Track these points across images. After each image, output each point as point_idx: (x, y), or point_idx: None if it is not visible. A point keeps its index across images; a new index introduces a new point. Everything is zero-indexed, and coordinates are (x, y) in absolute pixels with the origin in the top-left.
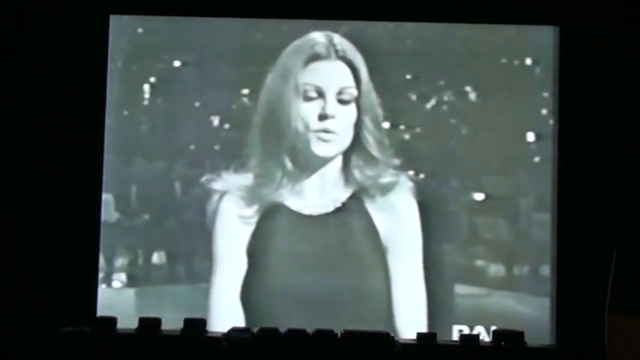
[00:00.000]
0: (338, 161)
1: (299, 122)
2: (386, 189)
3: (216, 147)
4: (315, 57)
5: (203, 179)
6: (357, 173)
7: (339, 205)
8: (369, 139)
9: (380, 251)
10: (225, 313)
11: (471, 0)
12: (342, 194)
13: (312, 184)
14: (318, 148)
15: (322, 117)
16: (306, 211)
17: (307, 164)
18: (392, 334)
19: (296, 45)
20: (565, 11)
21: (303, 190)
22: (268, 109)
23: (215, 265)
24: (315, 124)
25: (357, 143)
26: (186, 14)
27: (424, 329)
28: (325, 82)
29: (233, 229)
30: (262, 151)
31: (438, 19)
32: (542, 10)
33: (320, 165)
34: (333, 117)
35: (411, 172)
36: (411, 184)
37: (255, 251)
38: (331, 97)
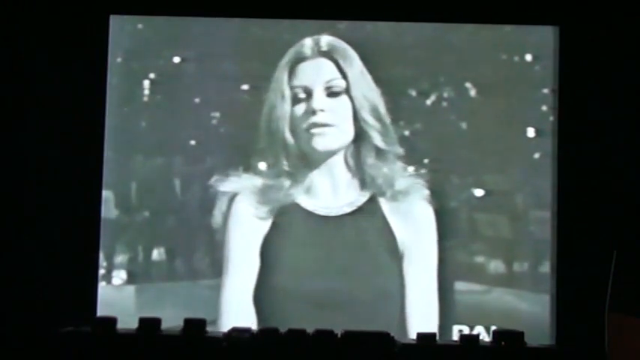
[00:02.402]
0: (344, 157)
1: (295, 124)
2: (403, 193)
3: (217, 143)
4: (299, 60)
5: (212, 180)
6: (370, 171)
7: (355, 207)
8: (370, 130)
9: (395, 254)
10: (237, 315)
11: (470, 0)
12: (359, 198)
13: (322, 182)
14: (316, 142)
15: (311, 112)
16: (322, 212)
17: (311, 160)
18: (392, 334)
19: (286, 55)
20: (565, 11)
21: (316, 190)
22: (268, 120)
23: (227, 266)
24: (307, 120)
25: (361, 138)
26: (186, 14)
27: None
28: (311, 80)
29: (247, 231)
30: (269, 154)
31: (436, 20)
32: (542, 11)
33: (323, 159)
34: (322, 110)
35: (412, 168)
36: (427, 191)
37: (269, 252)
38: (319, 92)
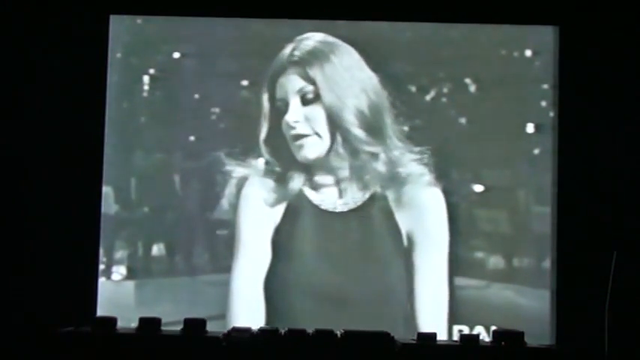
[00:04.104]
0: (335, 159)
1: (276, 139)
2: (404, 184)
3: (216, 139)
4: (277, 74)
5: (222, 163)
6: (364, 170)
7: (359, 203)
8: (350, 134)
9: (401, 248)
10: (247, 301)
11: (470, 0)
12: (362, 194)
13: (324, 181)
14: (299, 155)
15: (287, 124)
16: (328, 207)
17: (304, 165)
18: (392, 334)
19: (269, 68)
20: (565, 11)
21: (320, 187)
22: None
23: (238, 251)
24: (287, 134)
25: (345, 140)
26: (186, 14)
27: (445, 327)
28: (285, 92)
29: (258, 216)
30: (270, 161)
31: (436, 20)
32: (542, 11)
33: (316, 164)
34: (297, 122)
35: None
36: (427, 176)
37: (280, 243)
38: (294, 103)
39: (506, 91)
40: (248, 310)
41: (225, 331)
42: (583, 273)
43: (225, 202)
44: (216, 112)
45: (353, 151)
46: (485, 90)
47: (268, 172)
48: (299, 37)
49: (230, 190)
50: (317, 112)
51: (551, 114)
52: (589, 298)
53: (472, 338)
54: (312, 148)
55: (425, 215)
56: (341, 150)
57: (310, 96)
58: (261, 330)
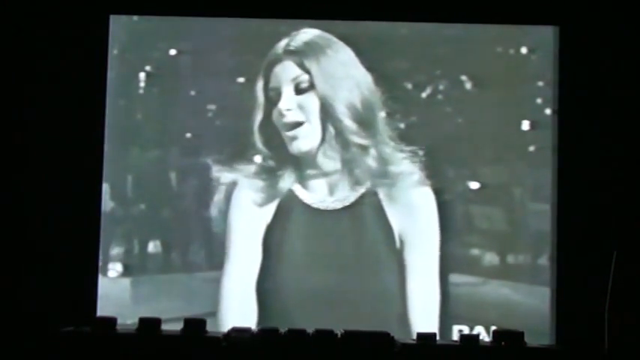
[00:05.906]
0: (326, 154)
1: (270, 129)
2: (395, 182)
3: (212, 136)
4: (273, 63)
5: (212, 169)
6: (354, 166)
7: (351, 201)
8: (342, 126)
9: (393, 247)
10: (239, 303)
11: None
12: (353, 192)
13: (315, 177)
14: (291, 147)
15: (280, 113)
16: (320, 206)
17: (297, 160)
18: (392, 334)
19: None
20: (563, 10)
21: (311, 185)
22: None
23: (229, 254)
24: (280, 122)
25: (337, 134)
26: (186, 14)
27: (436, 325)
28: (279, 81)
29: (249, 219)
30: (261, 152)
31: (434, 20)
32: (541, 11)
33: (308, 159)
34: (289, 109)
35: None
36: (418, 175)
37: (271, 243)
38: (288, 91)
39: (502, 88)
40: (239, 311)
41: (225, 331)
42: (583, 272)
43: (214, 209)
44: (213, 109)
45: (344, 143)
46: (481, 87)
47: (260, 169)
48: (295, 32)
49: (219, 196)
50: (310, 100)
51: (547, 111)
52: (589, 295)
53: (472, 338)
54: (305, 140)
55: (415, 214)
56: (333, 142)
57: (304, 85)
58: (261, 330)
